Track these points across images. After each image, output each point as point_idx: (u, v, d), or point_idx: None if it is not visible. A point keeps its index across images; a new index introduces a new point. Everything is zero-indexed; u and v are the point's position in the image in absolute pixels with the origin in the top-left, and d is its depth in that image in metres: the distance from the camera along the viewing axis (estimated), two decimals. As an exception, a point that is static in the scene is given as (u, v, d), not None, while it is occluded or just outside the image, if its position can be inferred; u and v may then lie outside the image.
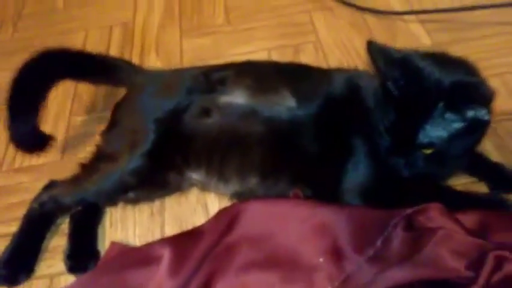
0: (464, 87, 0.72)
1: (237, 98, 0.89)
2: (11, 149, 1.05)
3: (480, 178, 0.90)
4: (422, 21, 1.23)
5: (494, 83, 0.78)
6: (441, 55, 0.80)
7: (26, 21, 1.44)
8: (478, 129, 0.75)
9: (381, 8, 1.28)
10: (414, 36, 1.20)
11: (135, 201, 0.95)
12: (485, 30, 1.17)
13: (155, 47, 1.31)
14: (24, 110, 0.97)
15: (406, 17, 1.25)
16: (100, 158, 0.95)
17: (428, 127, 0.73)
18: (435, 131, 0.73)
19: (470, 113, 0.72)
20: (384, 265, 0.72)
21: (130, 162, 0.89)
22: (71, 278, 0.86)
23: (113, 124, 0.98)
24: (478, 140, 0.79)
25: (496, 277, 0.67)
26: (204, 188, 0.95)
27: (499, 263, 0.67)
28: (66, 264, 0.87)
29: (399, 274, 0.70)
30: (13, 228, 0.90)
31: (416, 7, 1.28)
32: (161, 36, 1.34)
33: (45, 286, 0.86)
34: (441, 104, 0.72)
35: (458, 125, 0.73)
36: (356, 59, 1.18)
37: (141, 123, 0.92)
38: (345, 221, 0.78)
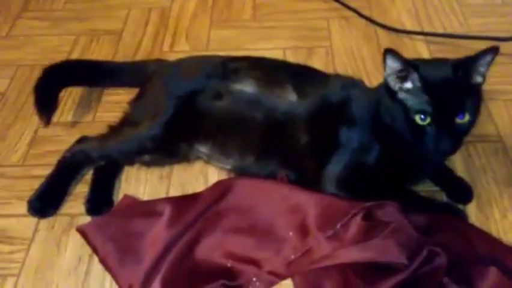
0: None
1: (246, 87, 0.98)
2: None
3: (441, 188, 0.98)
4: (428, 42, 1.30)
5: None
6: None
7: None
8: None
9: (394, 23, 1.35)
10: (418, 55, 1.25)
11: (149, 164, 1.06)
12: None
13: (186, 32, 1.40)
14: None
15: (414, 35, 1.31)
16: (125, 123, 1.06)
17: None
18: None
19: None
20: (340, 245, 0.82)
21: (150, 129, 1.00)
22: (87, 219, 0.96)
23: (140, 96, 1.09)
24: None
25: (427, 268, 0.78)
26: (208, 160, 1.05)
27: (431, 257, 0.78)
28: (85, 206, 0.98)
29: (351, 253, 0.81)
30: (47, 171, 1.02)
31: (426, 27, 1.34)
32: (192, 23, 1.42)
33: (66, 222, 0.97)
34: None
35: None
36: (361, 66, 1.25)
37: (163, 98, 1.03)
38: (315, 204, 0.88)
